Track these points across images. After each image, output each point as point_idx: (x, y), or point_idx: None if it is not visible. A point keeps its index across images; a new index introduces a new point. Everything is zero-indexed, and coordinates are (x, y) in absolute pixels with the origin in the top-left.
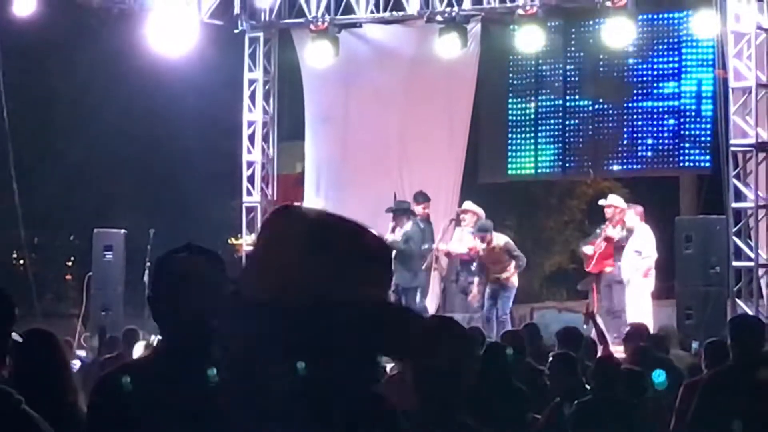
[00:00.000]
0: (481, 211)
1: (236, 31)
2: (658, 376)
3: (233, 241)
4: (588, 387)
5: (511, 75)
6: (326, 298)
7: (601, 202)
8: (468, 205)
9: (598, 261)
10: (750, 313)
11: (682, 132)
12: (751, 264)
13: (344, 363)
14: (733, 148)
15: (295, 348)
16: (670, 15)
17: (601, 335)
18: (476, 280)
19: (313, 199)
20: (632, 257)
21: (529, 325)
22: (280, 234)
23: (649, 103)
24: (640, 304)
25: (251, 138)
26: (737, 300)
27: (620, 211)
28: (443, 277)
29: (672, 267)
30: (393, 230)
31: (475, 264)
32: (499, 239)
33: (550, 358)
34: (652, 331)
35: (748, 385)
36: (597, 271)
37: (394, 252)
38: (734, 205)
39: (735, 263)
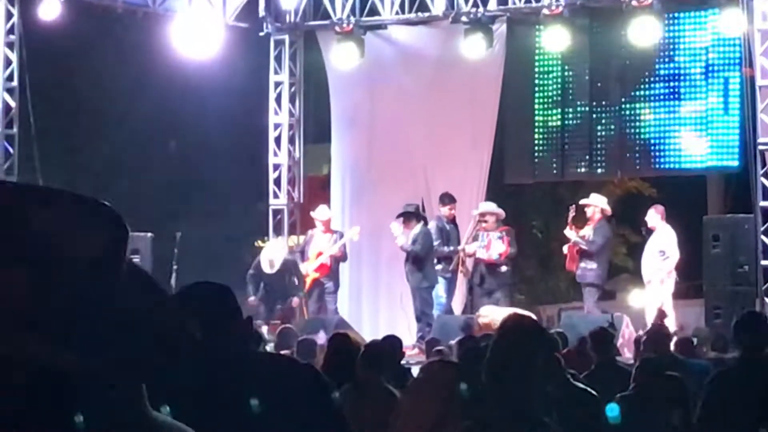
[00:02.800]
0: (501, 212)
1: (261, 33)
2: (611, 410)
3: (260, 243)
4: None
5: (537, 75)
6: None
7: (582, 201)
8: (487, 206)
9: (569, 261)
10: None
11: (709, 131)
12: None
13: None
14: (761, 147)
15: None
16: (697, 14)
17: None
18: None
19: (339, 201)
20: (655, 257)
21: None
22: None
23: (676, 103)
24: (662, 304)
25: (277, 140)
26: (766, 299)
27: (600, 211)
28: (468, 279)
29: (699, 266)
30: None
31: (504, 267)
32: None
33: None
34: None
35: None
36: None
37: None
38: (762, 203)
39: (763, 262)
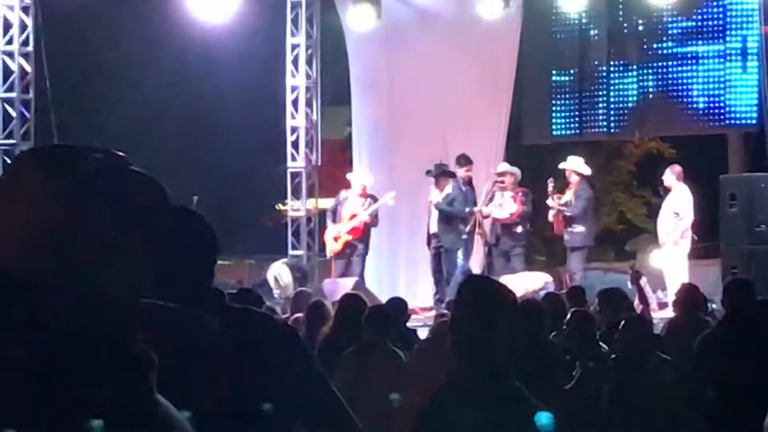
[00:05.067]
0: (517, 171)
1: None
2: (540, 419)
3: (280, 206)
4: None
5: (554, 35)
6: None
7: (560, 165)
8: (504, 166)
9: (557, 227)
10: None
11: (727, 89)
12: None
13: None
14: None
15: None
16: None
17: (642, 296)
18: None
19: (360, 163)
20: (670, 218)
21: (574, 288)
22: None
23: (694, 62)
24: (677, 265)
25: (295, 103)
26: None
27: (578, 173)
28: (485, 240)
29: (717, 227)
30: (441, 192)
31: (519, 228)
32: None
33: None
34: None
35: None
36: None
37: (437, 213)
38: None
39: None
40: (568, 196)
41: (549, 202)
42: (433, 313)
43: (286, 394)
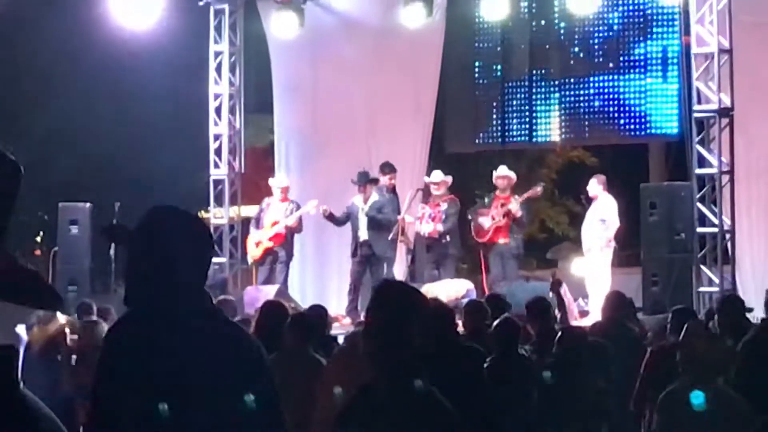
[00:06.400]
0: (449, 179)
1: (201, 2)
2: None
3: (202, 214)
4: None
5: (477, 44)
6: None
7: (496, 173)
8: (439, 175)
9: (494, 233)
10: (715, 279)
11: (648, 99)
12: (716, 230)
13: None
14: (696, 115)
15: None
16: None
17: (561, 304)
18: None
19: (282, 171)
20: (596, 226)
21: (493, 297)
22: None
23: (616, 72)
24: (601, 273)
25: (218, 110)
26: (702, 266)
27: (512, 182)
28: (410, 249)
29: (638, 234)
30: (365, 201)
31: (448, 237)
32: None
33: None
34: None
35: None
36: (489, 243)
37: (366, 221)
38: (698, 171)
39: (700, 229)
40: (514, 204)
41: (513, 206)
42: (349, 320)
43: (242, 401)
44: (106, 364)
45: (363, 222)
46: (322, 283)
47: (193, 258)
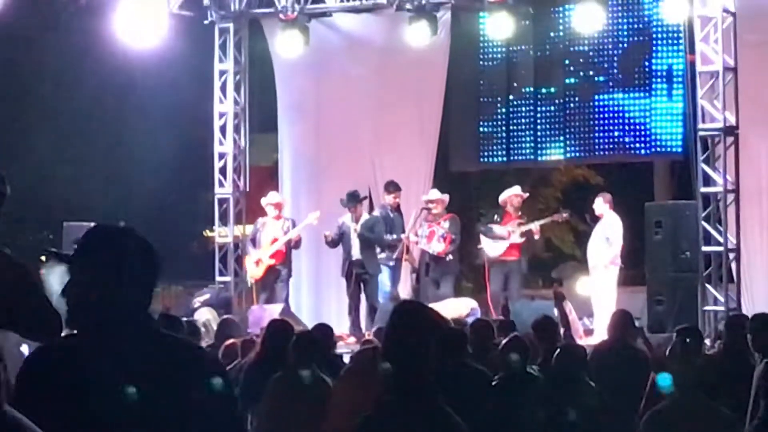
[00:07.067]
0: (446, 197)
1: (206, 21)
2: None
3: (207, 233)
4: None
5: (481, 63)
6: None
7: (512, 192)
8: (435, 194)
9: (507, 250)
10: (720, 298)
11: (653, 117)
12: (721, 249)
13: None
14: (701, 133)
15: None
16: (640, 0)
17: (564, 318)
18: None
19: (288, 190)
20: (601, 244)
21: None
22: None
23: (621, 90)
24: (606, 291)
25: (222, 129)
26: (707, 285)
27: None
28: (414, 268)
29: (643, 253)
30: (356, 221)
31: (449, 257)
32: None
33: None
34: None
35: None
36: (499, 259)
37: (359, 240)
38: (703, 189)
39: (705, 248)
40: (535, 225)
41: (515, 239)
42: (353, 339)
43: (195, 414)
44: (22, 390)
45: (355, 241)
46: (322, 301)
47: (132, 278)
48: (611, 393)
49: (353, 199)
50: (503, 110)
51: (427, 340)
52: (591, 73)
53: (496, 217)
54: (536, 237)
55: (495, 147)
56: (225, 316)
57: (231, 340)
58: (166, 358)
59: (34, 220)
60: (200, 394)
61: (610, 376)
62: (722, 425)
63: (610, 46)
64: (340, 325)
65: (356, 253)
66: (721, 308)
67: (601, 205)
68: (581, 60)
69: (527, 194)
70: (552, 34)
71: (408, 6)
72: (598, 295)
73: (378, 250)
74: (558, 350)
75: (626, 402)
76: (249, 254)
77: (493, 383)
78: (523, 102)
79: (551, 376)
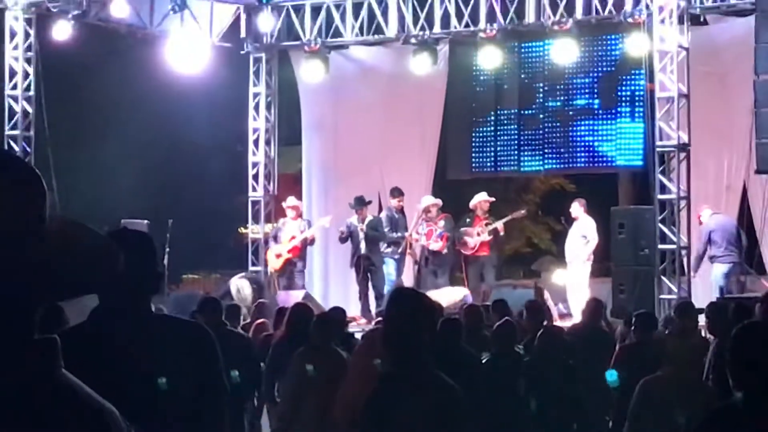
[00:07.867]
0: (438, 201)
1: (242, 52)
2: (610, 376)
3: (242, 230)
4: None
5: (475, 88)
6: None
7: (480, 198)
8: (427, 200)
9: (479, 247)
10: (673, 288)
11: (618, 136)
12: (674, 247)
13: None
14: (659, 149)
15: None
16: (607, 37)
17: (545, 308)
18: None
19: (308, 195)
20: (578, 242)
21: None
22: None
23: (591, 112)
24: (581, 283)
25: (255, 142)
26: (662, 277)
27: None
28: (416, 261)
29: (608, 250)
30: (362, 221)
31: (445, 250)
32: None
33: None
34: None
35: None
36: (473, 255)
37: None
38: (660, 196)
39: (661, 246)
40: (500, 224)
41: (485, 237)
42: (364, 321)
43: (185, 380)
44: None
45: (362, 238)
46: (328, 289)
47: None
48: (582, 363)
49: (360, 203)
50: (492, 128)
51: (418, 319)
52: (565, 97)
53: (467, 220)
54: (501, 233)
55: (485, 158)
56: (260, 300)
57: (262, 319)
58: (171, 337)
59: (96, 218)
60: (201, 368)
61: (582, 351)
62: (705, 396)
63: (582, 75)
64: (349, 310)
65: (363, 248)
66: (674, 296)
67: (577, 208)
68: (558, 86)
69: (494, 199)
70: (533, 65)
71: (413, 40)
72: (573, 285)
73: (383, 245)
74: (541, 330)
75: (594, 371)
76: (270, 248)
77: (484, 360)
78: (509, 121)
79: (535, 353)
